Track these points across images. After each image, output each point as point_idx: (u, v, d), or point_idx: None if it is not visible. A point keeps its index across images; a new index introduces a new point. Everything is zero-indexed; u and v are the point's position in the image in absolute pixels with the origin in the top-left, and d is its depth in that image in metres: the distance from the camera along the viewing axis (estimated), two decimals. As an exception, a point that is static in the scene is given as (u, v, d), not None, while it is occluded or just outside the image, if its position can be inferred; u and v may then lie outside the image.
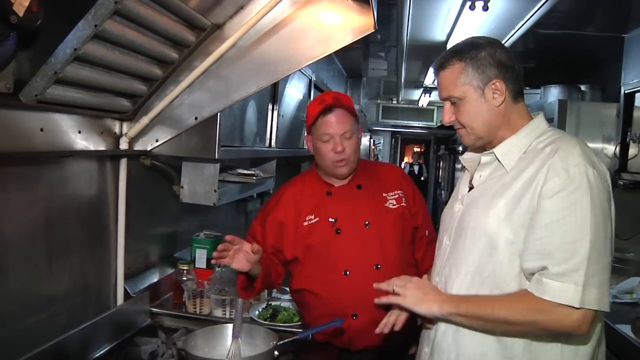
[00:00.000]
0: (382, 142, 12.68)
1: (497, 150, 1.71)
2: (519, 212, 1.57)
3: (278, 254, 2.30)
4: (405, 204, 2.27)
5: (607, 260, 1.51)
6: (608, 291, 1.50)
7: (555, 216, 1.49)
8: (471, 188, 1.80)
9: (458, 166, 8.04)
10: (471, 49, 1.69)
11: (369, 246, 2.19)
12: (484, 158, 1.77)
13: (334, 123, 2.16)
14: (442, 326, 1.75)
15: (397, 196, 2.27)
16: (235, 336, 1.94)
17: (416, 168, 15.60)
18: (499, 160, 1.70)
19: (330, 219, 2.22)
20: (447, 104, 1.75)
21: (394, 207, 2.25)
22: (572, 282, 1.46)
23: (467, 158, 1.89)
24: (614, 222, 1.58)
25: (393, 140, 13.88)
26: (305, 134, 2.31)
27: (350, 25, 2.20)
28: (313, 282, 2.23)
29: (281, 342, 1.93)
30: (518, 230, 1.57)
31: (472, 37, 1.77)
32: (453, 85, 1.70)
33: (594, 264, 1.47)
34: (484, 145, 1.78)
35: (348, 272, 2.16)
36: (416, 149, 17.20)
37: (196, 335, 1.99)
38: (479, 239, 1.66)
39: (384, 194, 2.27)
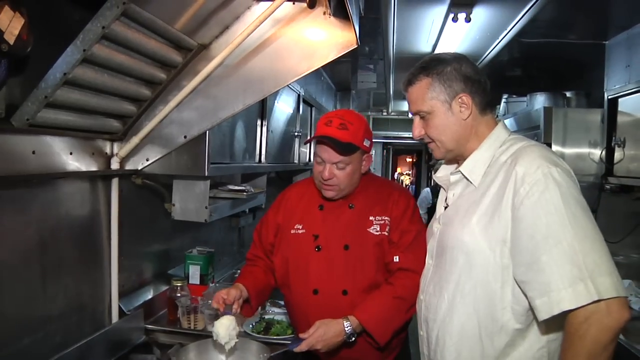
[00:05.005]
0: (373, 153, 12.68)
1: (463, 168, 1.75)
2: (494, 227, 1.59)
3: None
4: (387, 233, 2.17)
5: (603, 246, 1.46)
6: (618, 276, 1.43)
7: (533, 223, 1.50)
8: (446, 207, 1.84)
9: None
10: (437, 64, 1.73)
11: (342, 270, 2.16)
12: (453, 177, 1.81)
13: (328, 151, 2.12)
14: (433, 340, 1.79)
15: (382, 222, 2.19)
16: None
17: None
18: (466, 178, 1.74)
19: (313, 234, 2.21)
20: (417, 119, 1.80)
21: (376, 233, 2.17)
22: (578, 281, 1.41)
23: (440, 177, 1.92)
24: None
25: (385, 151, 13.93)
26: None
27: (333, 41, 2.24)
28: (288, 292, 2.27)
29: (273, 354, 1.95)
30: (494, 245, 1.59)
31: (438, 53, 1.82)
32: (421, 100, 1.75)
33: (592, 254, 1.43)
34: (455, 158, 1.82)
35: (317, 292, 2.16)
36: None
37: (188, 350, 2.01)
38: (457, 257, 1.69)
39: (370, 217, 2.20)
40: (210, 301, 2.63)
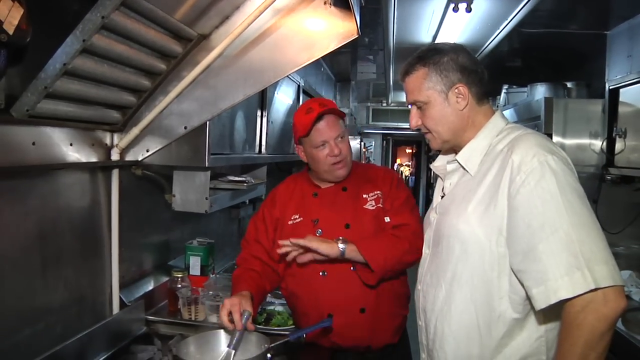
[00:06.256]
0: (373, 144, 12.70)
1: (460, 156, 1.75)
2: (490, 216, 1.58)
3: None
4: (382, 205, 2.28)
5: (600, 234, 1.45)
6: (615, 265, 1.42)
7: (529, 212, 1.49)
8: (443, 196, 1.84)
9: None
10: (434, 54, 1.73)
11: None
12: (450, 166, 1.81)
13: (327, 129, 2.21)
14: (431, 330, 1.79)
15: (375, 197, 2.29)
16: (229, 347, 1.91)
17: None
18: (463, 167, 1.74)
19: (312, 220, 2.26)
20: (414, 109, 1.80)
21: (372, 208, 2.27)
22: (575, 270, 1.40)
23: (437, 166, 1.92)
24: None
25: (384, 142, 13.91)
26: (295, 144, 2.35)
27: (334, 32, 2.23)
28: (293, 280, 2.28)
29: (273, 345, 1.95)
30: (491, 234, 1.58)
31: (436, 43, 1.81)
32: (418, 90, 1.74)
33: (588, 243, 1.42)
34: (452, 148, 1.81)
35: (325, 273, 2.19)
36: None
37: (188, 342, 2.01)
38: (453, 246, 1.69)
39: (364, 195, 2.29)
40: (211, 292, 2.65)
